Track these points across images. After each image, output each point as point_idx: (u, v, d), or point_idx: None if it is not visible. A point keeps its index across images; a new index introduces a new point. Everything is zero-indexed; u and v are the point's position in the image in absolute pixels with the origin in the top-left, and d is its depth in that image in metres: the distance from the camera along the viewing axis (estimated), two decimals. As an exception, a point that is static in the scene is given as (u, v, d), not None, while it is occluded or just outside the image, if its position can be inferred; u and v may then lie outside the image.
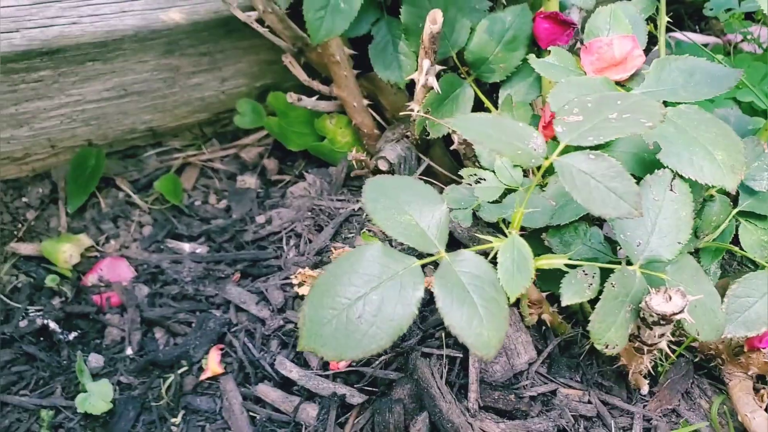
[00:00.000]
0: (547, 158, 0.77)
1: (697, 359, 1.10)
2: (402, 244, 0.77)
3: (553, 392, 1.05)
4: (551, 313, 1.06)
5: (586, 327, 1.08)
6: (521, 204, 0.80)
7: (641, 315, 0.84)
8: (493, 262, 0.79)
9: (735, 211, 1.02)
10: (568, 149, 0.78)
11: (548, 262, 0.85)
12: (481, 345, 0.72)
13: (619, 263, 0.96)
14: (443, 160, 1.34)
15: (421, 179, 1.29)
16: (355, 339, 0.72)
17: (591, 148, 0.77)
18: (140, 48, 1.26)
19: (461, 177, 1.33)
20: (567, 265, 0.86)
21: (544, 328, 1.10)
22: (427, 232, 0.77)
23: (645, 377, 1.05)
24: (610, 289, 0.83)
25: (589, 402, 1.05)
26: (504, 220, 0.94)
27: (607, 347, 0.84)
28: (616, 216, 0.73)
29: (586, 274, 0.86)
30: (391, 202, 0.79)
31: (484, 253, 0.80)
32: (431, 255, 0.76)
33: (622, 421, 1.05)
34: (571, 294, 0.84)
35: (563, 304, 0.84)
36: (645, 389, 1.03)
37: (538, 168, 0.77)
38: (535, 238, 0.96)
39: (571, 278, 0.85)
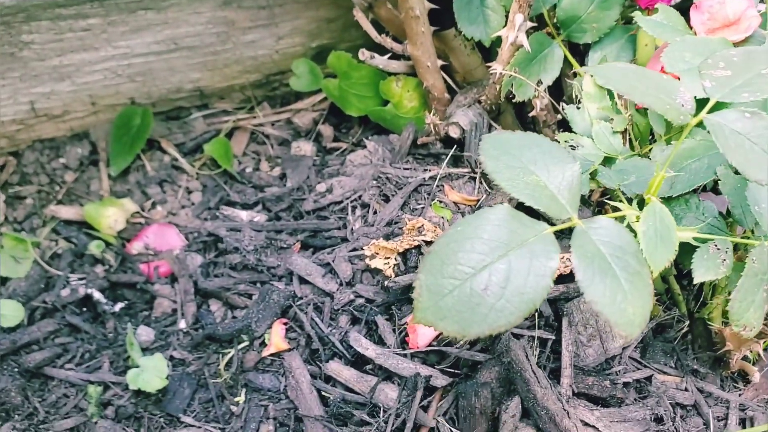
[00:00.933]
0: (695, 115, 0.68)
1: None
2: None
3: (649, 378, 0.97)
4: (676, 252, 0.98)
5: (683, 309, 1.01)
6: (662, 167, 0.71)
7: (779, 295, 0.76)
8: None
9: None
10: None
11: (678, 234, 0.76)
12: (625, 322, 0.64)
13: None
14: (513, 128, 1.25)
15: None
16: (480, 313, 0.64)
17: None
18: (197, -3, 1.17)
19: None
20: (696, 240, 0.77)
21: (637, 309, 1.01)
22: (557, 195, 0.68)
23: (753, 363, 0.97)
24: (751, 266, 0.74)
25: (686, 389, 0.98)
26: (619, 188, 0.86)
27: (744, 329, 0.75)
28: (772, 182, 0.65)
29: (718, 249, 0.77)
30: (515, 161, 0.70)
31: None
32: (563, 221, 0.68)
33: (717, 410, 0.97)
34: (704, 270, 0.76)
35: (696, 281, 0.76)
36: (756, 376, 0.95)
37: (682, 127, 0.69)
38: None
39: (703, 253, 0.77)
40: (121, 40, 1.18)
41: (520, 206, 0.70)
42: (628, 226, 0.72)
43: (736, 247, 0.83)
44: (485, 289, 0.64)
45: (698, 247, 0.78)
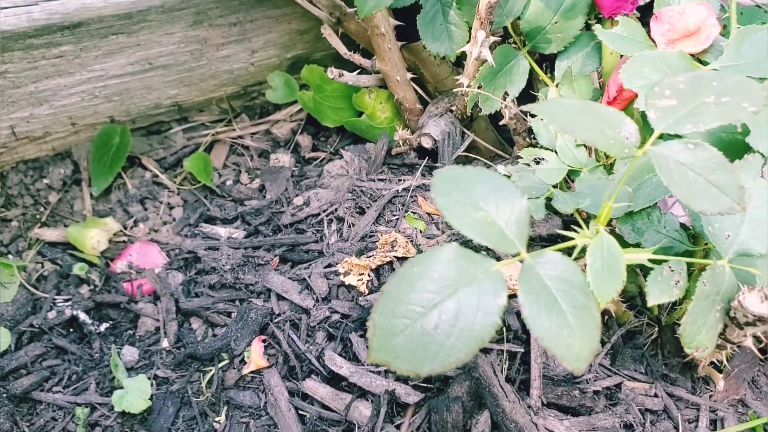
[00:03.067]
0: (640, 147, 0.69)
1: (762, 344, 1.04)
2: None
3: (618, 386, 1.00)
4: (615, 302, 1.00)
5: (655, 311, 1.02)
6: (611, 197, 0.73)
7: (731, 314, 0.78)
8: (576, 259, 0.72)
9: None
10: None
11: (632, 257, 0.78)
12: (572, 357, 0.66)
13: (695, 252, 0.90)
14: (487, 134, 1.26)
15: (466, 156, 1.22)
16: (431, 351, 0.66)
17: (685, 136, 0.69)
18: (167, 19, 1.18)
19: (507, 153, 1.26)
20: (651, 261, 0.79)
21: (606, 317, 1.03)
22: (505, 230, 0.70)
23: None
24: (702, 289, 0.76)
25: (656, 395, 1.00)
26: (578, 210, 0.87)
27: (697, 350, 0.77)
28: (716, 212, 0.66)
29: (672, 271, 0.79)
30: (465, 197, 0.72)
31: (566, 251, 0.73)
32: (511, 256, 0.70)
33: (687, 413, 1.00)
34: (657, 293, 0.77)
35: (649, 304, 0.78)
36: (721, 384, 0.97)
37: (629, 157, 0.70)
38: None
39: (657, 275, 0.78)
40: (95, 63, 1.20)
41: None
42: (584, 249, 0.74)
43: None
44: (435, 327, 0.66)
45: (652, 268, 0.79)
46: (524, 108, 0.70)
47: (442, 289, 0.67)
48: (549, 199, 0.92)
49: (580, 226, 0.86)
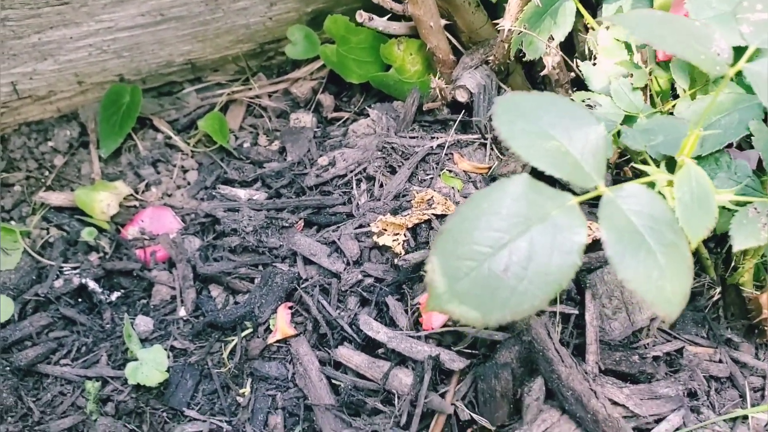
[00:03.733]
0: (733, 65, 0.61)
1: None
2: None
3: (679, 351, 0.91)
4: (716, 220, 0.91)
5: (711, 274, 0.94)
6: (696, 124, 0.64)
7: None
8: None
9: None
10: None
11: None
12: (663, 301, 0.57)
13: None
14: (524, 89, 1.17)
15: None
16: (501, 297, 0.58)
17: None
18: (182, -37, 1.09)
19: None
20: (734, 203, 0.71)
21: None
22: (581, 162, 0.62)
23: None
24: (796, 229, 0.67)
25: (720, 361, 0.92)
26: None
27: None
28: (823, 138, 0.58)
29: (758, 212, 0.70)
30: (531, 125, 0.63)
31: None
32: (589, 190, 0.61)
33: (753, 381, 0.91)
34: (744, 236, 0.69)
35: (735, 248, 0.69)
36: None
37: (721, 78, 0.62)
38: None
39: (742, 218, 0.70)
40: (103, 13, 1.11)
41: (538, 175, 0.63)
42: (659, 192, 0.66)
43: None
44: (505, 270, 0.58)
45: (733, 210, 0.71)
46: (605, 19, 0.62)
47: (512, 226, 0.59)
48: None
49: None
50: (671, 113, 0.89)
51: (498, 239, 0.58)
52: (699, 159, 0.81)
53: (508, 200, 0.59)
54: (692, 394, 0.88)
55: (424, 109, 1.17)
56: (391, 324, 0.92)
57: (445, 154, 1.08)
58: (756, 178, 0.81)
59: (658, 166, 0.74)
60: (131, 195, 1.16)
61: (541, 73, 1.05)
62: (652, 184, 0.64)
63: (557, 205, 0.59)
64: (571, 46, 1.09)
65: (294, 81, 1.30)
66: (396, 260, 0.94)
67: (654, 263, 0.57)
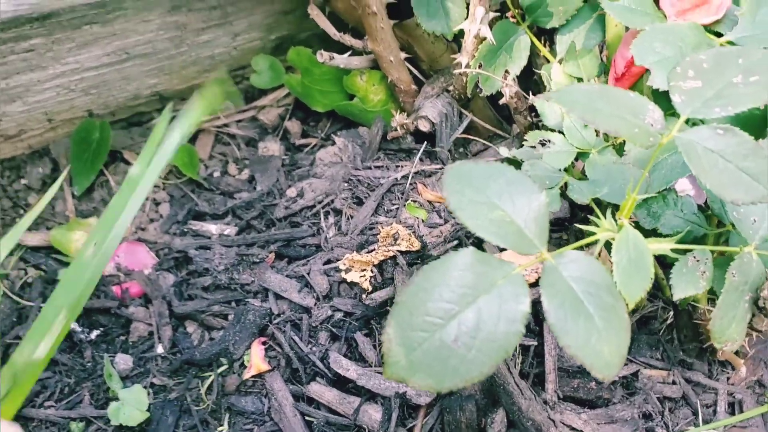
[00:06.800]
0: (666, 134, 0.64)
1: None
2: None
3: (635, 374, 0.96)
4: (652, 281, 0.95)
5: (667, 293, 0.98)
6: (634, 187, 0.68)
7: (760, 304, 0.74)
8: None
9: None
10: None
11: (654, 247, 0.73)
12: (601, 365, 0.61)
13: (716, 234, 0.86)
14: (486, 114, 1.21)
15: (465, 138, 1.17)
16: (452, 366, 0.61)
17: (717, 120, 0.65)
18: (143, 6, 1.11)
19: (506, 132, 1.20)
20: (674, 250, 0.75)
21: (620, 303, 0.99)
22: (524, 230, 0.65)
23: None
24: (731, 281, 0.72)
25: (674, 382, 0.97)
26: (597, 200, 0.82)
27: (726, 344, 0.73)
28: (749, 201, 0.62)
29: (697, 261, 0.75)
30: (479, 195, 0.66)
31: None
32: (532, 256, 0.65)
33: (706, 398, 0.97)
34: (683, 286, 0.73)
35: (675, 298, 0.73)
36: (743, 370, 0.94)
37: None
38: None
39: (682, 267, 0.74)
40: (68, 56, 1.13)
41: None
42: (608, 243, 0.70)
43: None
44: (455, 340, 0.62)
45: (674, 259, 0.75)
46: (544, 96, 0.65)
47: (461, 297, 0.62)
48: (563, 188, 0.87)
49: (591, 212, 0.82)
50: (622, 145, 0.92)
51: (448, 310, 0.62)
52: (647, 198, 0.85)
53: (457, 272, 0.63)
54: (647, 416, 0.93)
55: (388, 137, 1.20)
56: (361, 359, 0.96)
57: (410, 184, 1.11)
58: (701, 213, 0.86)
59: (604, 213, 0.78)
60: (106, 231, 1.19)
61: (500, 102, 1.08)
62: (591, 245, 0.68)
63: (502, 274, 0.63)
64: (532, 74, 1.12)
65: (261, 108, 1.32)
66: (364, 297, 0.98)
67: (592, 328, 0.61)
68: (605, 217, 0.72)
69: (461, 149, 1.19)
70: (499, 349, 0.61)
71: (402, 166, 1.14)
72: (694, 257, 0.74)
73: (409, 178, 1.11)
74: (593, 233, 0.70)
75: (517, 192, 0.67)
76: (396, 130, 1.16)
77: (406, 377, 0.62)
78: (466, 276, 0.63)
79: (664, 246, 0.73)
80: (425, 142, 1.16)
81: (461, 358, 0.61)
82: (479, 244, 1.01)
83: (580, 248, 0.68)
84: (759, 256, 0.74)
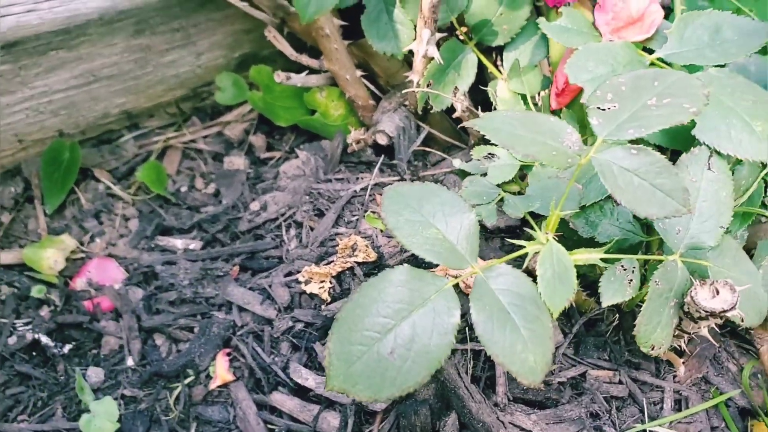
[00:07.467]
0: (584, 155, 0.69)
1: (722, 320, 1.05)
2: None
3: (583, 375, 1.01)
4: (576, 291, 1.00)
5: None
6: (558, 201, 0.72)
7: (685, 309, 0.79)
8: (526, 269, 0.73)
9: (764, 172, 0.94)
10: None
11: (584, 257, 0.78)
12: (527, 371, 0.66)
13: (650, 242, 0.91)
14: (443, 125, 1.25)
15: (423, 149, 1.21)
16: (389, 377, 0.66)
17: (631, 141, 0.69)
18: (107, 31, 1.15)
19: (464, 143, 1.25)
20: (604, 260, 0.79)
21: (568, 307, 1.03)
22: (456, 246, 0.70)
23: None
24: (654, 288, 0.77)
25: (620, 382, 1.01)
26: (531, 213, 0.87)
27: (653, 348, 0.78)
28: (663, 216, 0.67)
29: (624, 269, 0.79)
30: (415, 215, 0.71)
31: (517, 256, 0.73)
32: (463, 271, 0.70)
33: (653, 396, 1.01)
34: (611, 293, 0.78)
35: (603, 305, 0.78)
36: (681, 369, 0.99)
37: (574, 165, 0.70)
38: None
39: (610, 276, 0.79)
40: (36, 80, 1.17)
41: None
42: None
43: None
44: (391, 352, 0.66)
45: (605, 268, 0.80)
46: (468, 124, 0.70)
47: (397, 312, 0.67)
48: (502, 200, 0.92)
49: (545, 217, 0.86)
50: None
51: (385, 325, 0.67)
52: (584, 208, 0.90)
53: (393, 288, 0.68)
54: (595, 415, 0.98)
55: (349, 150, 1.24)
56: (320, 368, 1.00)
57: (369, 196, 1.16)
58: (636, 222, 0.90)
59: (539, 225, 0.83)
60: (77, 247, 1.23)
61: (454, 116, 1.13)
62: (522, 258, 0.73)
63: (435, 289, 0.68)
64: (484, 89, 1.17)
65: (226, 124, 1.37)
66: (323, 307, 1.03)
67: (518, 338, 0.66)
68: (539, 228, 0.77)
69: (420, 160, 1.24)
70: (433, 360, 0.66)
71: (362, 178, 1.18)
72: (622, 266, 0.79)
73: (368, 189, 1.15)
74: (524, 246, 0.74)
75: (450, 212, 0.71)
76: (357, 142, 1.21)
77: (346, 389, 0.66)
78: (401, 292, 0.67)
79: (594, 256, 0.78)
80: (384, 155, 1.20)
81: (397, 369, 0.66)
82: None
83: (513, 260, 0.73)
84: (684, 264, 0.79)
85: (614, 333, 1.05)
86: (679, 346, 0.96)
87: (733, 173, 0.94)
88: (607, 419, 0.97)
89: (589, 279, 1.05)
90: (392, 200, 0.72)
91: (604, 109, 0.71)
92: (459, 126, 1.26)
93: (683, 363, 1.00)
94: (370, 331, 0.67)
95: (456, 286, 0.69)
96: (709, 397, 1.01)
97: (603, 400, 0.99)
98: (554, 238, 0.71)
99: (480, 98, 1.14)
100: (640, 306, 1.00)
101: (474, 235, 0.70)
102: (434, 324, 0.66)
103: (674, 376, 1.03)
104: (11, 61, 1.11)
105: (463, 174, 1.04)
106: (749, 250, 0.91)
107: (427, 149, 1.23)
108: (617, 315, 1.04)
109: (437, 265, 0.76)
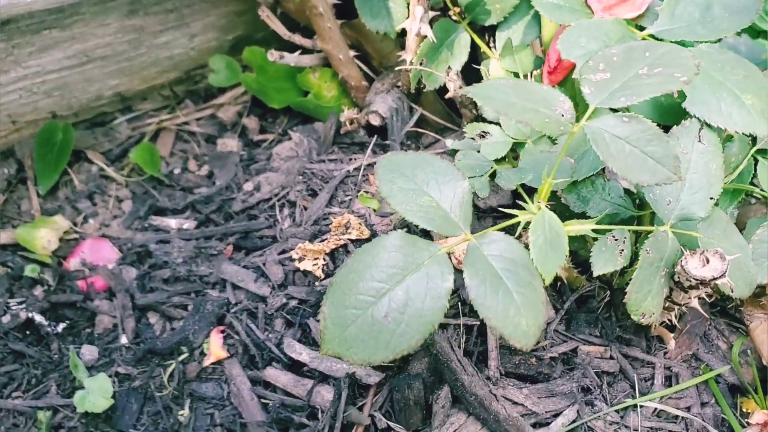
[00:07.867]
0: (576, 123, 0.70)
1: (712, 299, 1.07)
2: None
3: (574, 350, 1.02)
4: (567, 268, 1.01)
5: (602, 279, 1.04)
6: (550, 173, 0.73)
7: (676, 278, 0.80)
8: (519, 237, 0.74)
9: (754, 149, 0.95)
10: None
11: (576, 228, 0.79)
12: (519, 335, 0.67)
13: (641, 217, 0.91)
14: (436, 107, 1.26)
15: (416, 131, 1.22)
16: (383, 340, 0.67)
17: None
18: (101, 10, 1.15)
19: (456, 125, 1.26)
20: (595, 230, 0.80)
21: (559, 283, 1.05)
22: (450, 214, 0.71)
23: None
24: (645, 257, 0.77)
25: (611, 357, 1.02)
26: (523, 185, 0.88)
27: (643, 316, 0.79)
28: (654, 182, 0.68)
29: (616, 240, 0.80)
30: (409, 183, 0.72)
31: (510, 228, 0.74)
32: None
33: (643, 372, 1.02)
34: (602, 263, 0.79)
35: (594, 274, 0.79)
36: (672, 343, 1.00)
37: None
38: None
39: (601, 246, 0.80)
40: (30, 60, 1.17)
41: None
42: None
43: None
44: (385, 316, 0.67)
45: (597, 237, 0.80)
46: (462, 91, 0.70)
47: (391, 277, 0.68)
48: (494, 175, 0.93)
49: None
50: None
51: (379, 289, 0.68)
52: (576, 183, 0.90)
53: (387, 254, 0.68)
54: (586, 390, 0.99)
55: (342, 131, 1.25)
56: (314, 344, 1.01)
57: (362, 176, 1.16)
58: (627, 198, 0.91)
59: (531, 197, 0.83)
60: (71, 228, 1.23)
61: (446, 96, 1.14)
62: (514, 227, 0.74)
63: (429, 255, 0.68)
64: (477, 69, 1.17)
65: (219, 106, 1.37)
66: (317, 284, 1.03)
67: (510, 302, 0.67)
68: (532, 202, 0.78)
69: (413, 141, 1.24)
70: (426, 323, 0.67)
71: (355, 159, 1.19)
72: (614, 236, 0.80)
73: (361, 170, 1.16)
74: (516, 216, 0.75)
75: (443, 180, 0.72)
76: (350, 123, 1.21)
77: (341, 352, 0.67)
78: (395, 257, 0.68)
79: (586, 227, 0.79)
80: (377, 136, 1.21)
81: (391, 333, 0.67)
82: (427, 234, 1.06)
83: (504, 230, 0.73)
84: (674, 234, 0.80)
85: (605, 309, 1.05)
86: (670, 321, 0.98)
87: (723, 150, 0.95)
88: (598, 394, 0.98)
89: (580, 257, 1.06)
90: (386, 169, 0.72)
91: (596, 79, 0.72)
92: (452, 107, 1.27)
93: (674, 338, 1.01)
94: (365, 295, 0.67)
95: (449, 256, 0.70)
96: (699, 374, 1.02)
97: (594, 375, 0.99)
98: (546, 207, 0.72)
99: (473, 78, 1.15)
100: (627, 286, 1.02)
101: (467, 203, 0.71)
102: (428, 288, 0.67)
103: (665, 353, 1.04)
104: (4, 39, 1.11)
105: (455, 153, 1.05)
106: (739, 230, 0.93)
107: (420, 130, 1.24)
108: (608, 292, 1.05)
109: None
